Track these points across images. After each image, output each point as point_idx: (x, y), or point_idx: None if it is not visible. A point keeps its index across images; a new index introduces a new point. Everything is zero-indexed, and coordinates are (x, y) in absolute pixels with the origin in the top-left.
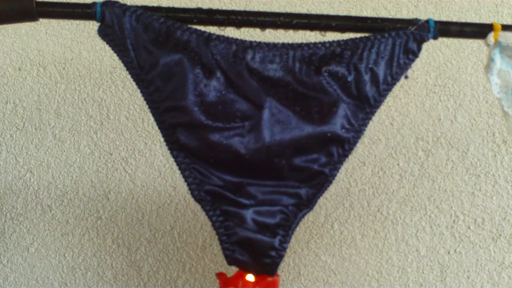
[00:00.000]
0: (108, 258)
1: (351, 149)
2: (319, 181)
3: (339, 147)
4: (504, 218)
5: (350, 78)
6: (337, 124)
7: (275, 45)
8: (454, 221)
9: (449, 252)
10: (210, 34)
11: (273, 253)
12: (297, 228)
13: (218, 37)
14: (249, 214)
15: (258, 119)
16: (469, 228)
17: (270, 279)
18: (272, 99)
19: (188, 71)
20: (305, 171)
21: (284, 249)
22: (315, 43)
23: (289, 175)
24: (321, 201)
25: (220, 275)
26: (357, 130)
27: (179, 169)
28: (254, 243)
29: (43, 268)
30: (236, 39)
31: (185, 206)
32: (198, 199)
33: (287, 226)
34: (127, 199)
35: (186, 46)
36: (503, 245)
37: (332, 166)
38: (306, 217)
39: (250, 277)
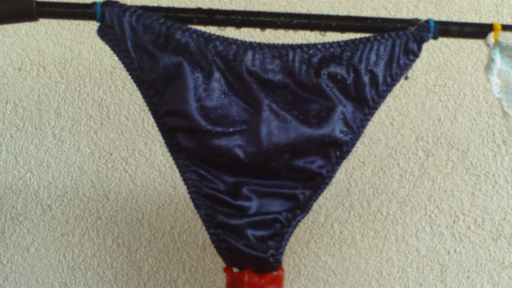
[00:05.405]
0: (108, 258)
1: (348, 151)
2: (316, 182)
3: (337, 150)
4: (504, 218)
5: (349, 81)
6: (335, 128)
7: (275, 46)
8: (454, 221)
9: (449, 252)
10: (210, 35)
11: (267, 265)
12: (297, 228)
13: (218, 37)
14: (244, 226)
15: (257, 123)
16: (469, 228)
17: (275, 273)
18: (271, 102)
19: (188, 76)
20: (303, 171)
21: (278, 261)
22: (315, 44)
23: (287, 176)
24: (321, 201)
25: (227, 269)
26: (355, 132)
27: (179, 171)
28: (248, 256)
29: (43, 268)
30: (236, 40)
31: (185, 206)
32: (196, 204)
33: (280, 236)
34: (127, 199)
35: (186, 48)
36: (503, 245)
37: (329, 168)
38: (306, 217)
39: None
